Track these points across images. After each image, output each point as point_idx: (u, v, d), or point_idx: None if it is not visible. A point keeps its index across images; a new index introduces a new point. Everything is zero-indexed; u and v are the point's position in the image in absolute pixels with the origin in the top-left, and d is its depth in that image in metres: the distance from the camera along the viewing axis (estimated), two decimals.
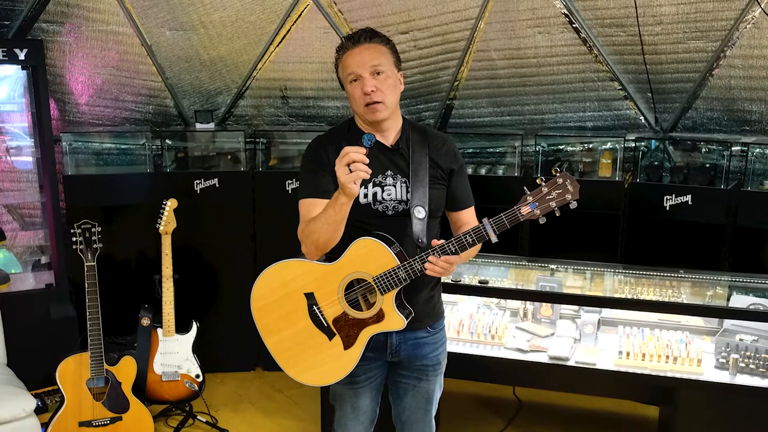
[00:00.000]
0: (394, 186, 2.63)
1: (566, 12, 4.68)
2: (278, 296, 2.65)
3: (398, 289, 2.55)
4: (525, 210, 2.46)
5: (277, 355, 2.70)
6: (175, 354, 4.36)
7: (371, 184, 2.62)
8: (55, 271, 4.83)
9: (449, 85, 5.26)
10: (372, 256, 2.53)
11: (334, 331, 2.62)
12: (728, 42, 4.48)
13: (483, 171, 5.19)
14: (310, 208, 2.61)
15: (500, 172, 5.18)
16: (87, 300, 3.91)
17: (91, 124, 5.30)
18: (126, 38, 5.09)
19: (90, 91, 5.20)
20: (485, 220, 2.47)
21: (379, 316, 2.58)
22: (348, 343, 2.62)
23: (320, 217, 2.51)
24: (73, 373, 3.91)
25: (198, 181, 5.00)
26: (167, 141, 5.20)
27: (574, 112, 5.14)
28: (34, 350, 4.45)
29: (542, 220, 2.46)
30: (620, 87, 4.93)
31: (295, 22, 5.17)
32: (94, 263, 3.95)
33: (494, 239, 2.47)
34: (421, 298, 2.70)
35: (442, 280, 2.86)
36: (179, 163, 5.18)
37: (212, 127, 5.29)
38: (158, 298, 4.36)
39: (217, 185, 5.03)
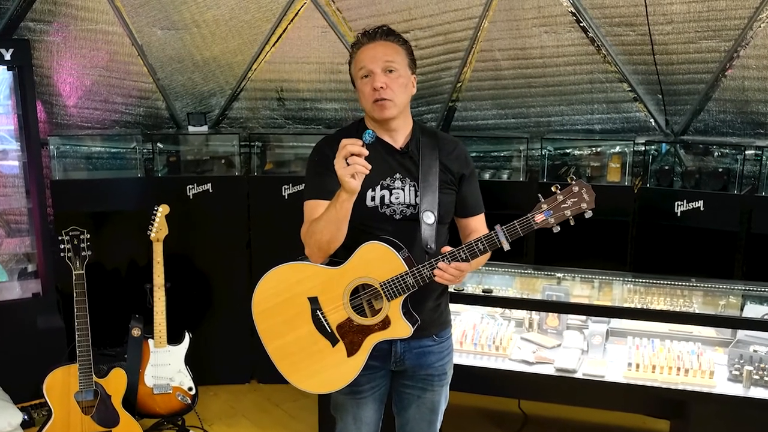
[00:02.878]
0: (403, 189, 2.67)
1: (573, 10, 4.71)
2: (281, 300, 2.67)
3: (405, 295, 2.57)
4: (539, 218, 2.48)
5: (278, 361, 2.72)
6: (166, 366, 4.38)
7: (379, 186, 2.65)
8: (42, 280, 4.85)
9: (452, 86, 5.29)
10: (379, 261, 2.56)
11: (338, 337, 2.64)
12: (742, 41, 4.51)
13: (487, 175, 5.20)
14: (315, 209, 2.64)
15: (505, 177, 5.20)
16: (75, 310, 3.94)
17: (79, 127, 5.33)
18: (116, 38, 5.11)
19: (78, 93, 5.23)
20: (498, 227, 2.50)
21: (385, 323, 2.60)
22: (352, 350, 2.64)
23: (322, 216, 2.54)
24: (61, 385, 3.93)
25: (191, 186, 5.02)
26: (159, 144, 5.22)
27: (582, 114, 5.16)
28: (21, 362, 4.47)
29: (556, 229, 2.49)
30: (629, 88, 4.95)
31: (291, 20, 5.20)
32: (83, 271, 3.97)
33: (507, 247, 2.49)
34: (428, 305, 2.72)
35: (449, 289, 2.89)
36: (171, 168, 5.19)
37: (205, 130, 5.31)
38: (149, 307, 4.38)
39: (210, 190, 5.05)
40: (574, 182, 2.49)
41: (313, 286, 2.64)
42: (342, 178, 2.41)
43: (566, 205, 2.48)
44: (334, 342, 2.65)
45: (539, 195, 2.50)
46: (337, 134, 2.80)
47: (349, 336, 2.63)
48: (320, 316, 2.64)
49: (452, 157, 2.73)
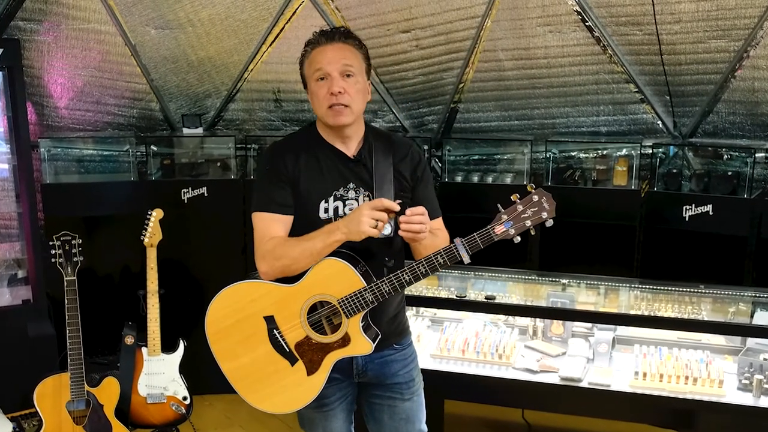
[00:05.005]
0: (357, 200, 2.65)
1: (579, 9, 4.72)
2: (235, 320, 2.68)
3: (365, 312, 2.57)
4: (499, 229, 2.48)
5: (235, 381, 2.73)
6: (160, 374, 4.38)
7: (332, 197, 2.64)
8: (33, 286, 4.86)
9: (454, 87, 5.31)
10: (336, 278, 2.55)
11: (297, 356, 2.64)
12: (752, 41, 4.52)
13: (490, 179, 5.22)
14: (269, 224, 2.65)
15: (508, 180, 5.21)
16: (67, 317, 3.95)
17: (71, 129, 5.35)
18: (108, 37, 5.13)
19: (70, 94, 5.24)
20: (457, 240, 2.50)
21: (345, 341, 2.60)
22: (311, 369, 2.64)
23: (302, 246, 2.55)
24: (52, 395, 3.94)
25: (185, 190, 5.04)
26: (152, 147, 5.24)
27: (587, 116, 5.18)
28: (11, 370, 4.48)
29: (517, 240, 2.50)
30: (636, 89, 4.97)
31: (289, 20, 5.22)
32: (75, 278, 3.98)
33: (467, 260, 2.49)
34: (386, 317, 2.73)
35: (406, 296, 2.91)
36: (165, 171, 5.22)
37: (200, 132, 5.33)
38: (143, 314, 4.38)
39: (205, 194, 5.07)
40: (534, 191, 2.49)
41: (268, 304, 2.64)
42: (362, 234, 2.45)
43: (526, 215, 2.48)
44: (293, 361, 2.64)
45: (498, 205, 2.50)
46: (287, 140, 2.80)
47: (309, 355, 2.63)
48: (277, 335, 2.64)
49: (406, 162, 2.73)
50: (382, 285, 2.52)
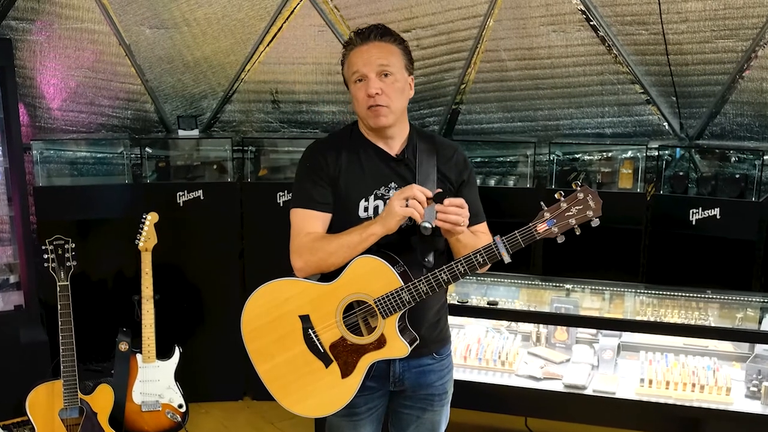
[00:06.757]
0: None
1: (583, 8, 4.74)
2: (271, 318, 2.67)
3: (401, 312, 2.56)
4: (541, 227, 2.45)
5: (269, 383, 2.72)
6: (155, 382, 4.39)
7: (372, 196, 2.64)
8: (25, 292, 4.87)
9: (455, 88, 5.32)
10: (373, 276, 2.54)
11: (331, 357, 2.63)
12: (760, 41, 4.53)
13: (492, 182, 5.23)
14: (307, 221, 2.64)
15: (511, 183, 5.22)
16: (60, 323, 3.96)
17: (64, 131, 5.36)
18: (102, 37, 5.15)
19: (63, 95, 5.25)
20: (497, 238, 2.47)
21: (381, 342, 2.58)
22: (346, 371, 2.62)
23: (338, 240, 2.54)
24: (45, 402, 3.95)
25: (181, 193, 5.05)
26: (147, 149, 5.24)
27: (592, 117, 5.19)
28: (2, 377, 4.49)
29: (561, 239, 2.46)
30: (642, 90, 4.98)
31: (287, 19, 5.23)
32: (68, 283, 3.99)
33: (507, 259, 2.46)
34: (427, 321, 2.71)
35: (448, 301, 2.89)
36: (160, 174, 5.21)
37: (196, 134, 5.34)
38: (137, 320, 4.39)
39: (201, 197, 5.08)
40: (579, 188, 2.44)
41: (303, 303, 2.63)
42: (394, 216, 2.44)
43: (570, 213, 2.44)
44: (327, 363, 2.63)
45: (541, 203, 2.47)
46: (329, 139, 2.83)
47: (343, 356, 2.62)
48: (312, 335, 2.63)
49: (451, 164, 2.73)
50: (420, 284, 2.50)
